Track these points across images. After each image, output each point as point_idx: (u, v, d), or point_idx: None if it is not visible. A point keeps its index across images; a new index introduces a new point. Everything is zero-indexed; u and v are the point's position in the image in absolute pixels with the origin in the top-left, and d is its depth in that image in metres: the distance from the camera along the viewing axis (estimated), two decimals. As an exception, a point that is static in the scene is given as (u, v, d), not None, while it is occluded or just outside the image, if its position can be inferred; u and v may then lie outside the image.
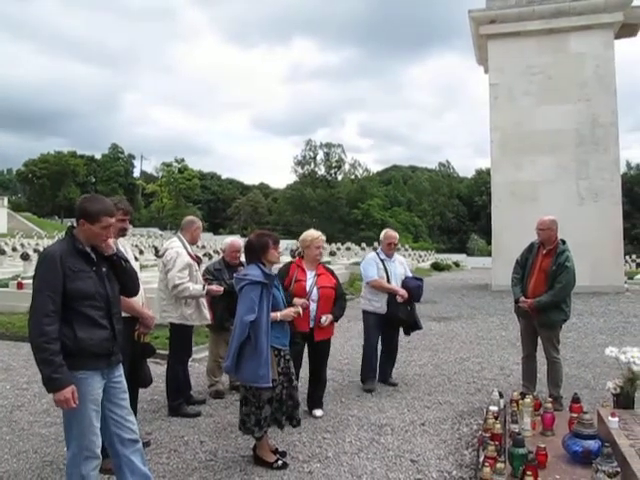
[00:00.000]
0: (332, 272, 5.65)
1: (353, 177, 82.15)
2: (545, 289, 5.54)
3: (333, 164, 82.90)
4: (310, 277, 5.34)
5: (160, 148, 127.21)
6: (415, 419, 5.41)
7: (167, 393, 5.65)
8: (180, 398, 5.59)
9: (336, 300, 5.43)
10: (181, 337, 5.63)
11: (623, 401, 4.72)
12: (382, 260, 6.44)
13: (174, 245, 5.63)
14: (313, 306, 5.24)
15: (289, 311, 4.40)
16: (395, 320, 6.25)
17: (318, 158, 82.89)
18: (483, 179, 65.24)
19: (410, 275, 6.68)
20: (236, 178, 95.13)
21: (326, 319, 5.25)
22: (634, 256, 30.22)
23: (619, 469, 3.58)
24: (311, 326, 5.25)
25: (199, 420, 5.39)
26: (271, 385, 4.14)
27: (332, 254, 25.41)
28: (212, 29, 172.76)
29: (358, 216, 71.69)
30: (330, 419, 5.44)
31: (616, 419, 4.16)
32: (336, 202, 75.91)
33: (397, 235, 6.72)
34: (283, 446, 4.73)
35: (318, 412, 5.53)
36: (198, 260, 5.79)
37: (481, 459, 3.86)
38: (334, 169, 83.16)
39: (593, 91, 15.99)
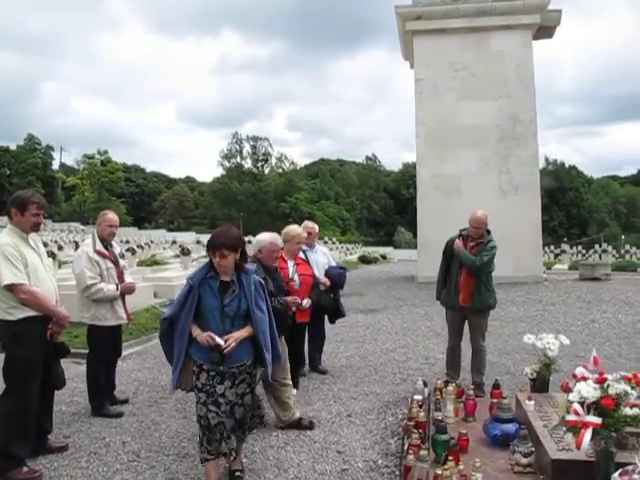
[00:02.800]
0: (308, 262, 6.18)
1: (280, 170, 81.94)
2: (475, 280, 5.70)
3: (260, 157, 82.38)
4: (291, 266, 5.82)
5: (82, 140, 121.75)
6: (342, 410, 5.44)
7: (88, 393, 5.45)
8: (100, 399, 5.39)
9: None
10: (97, 337, 5.43)
11: (539, 385, 4.93)
12: (304, 250, 6.50)
13: (85, 243, 5.54)
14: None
15: (205, 337, 3.63)
16: (318, 308, 6.29)
17: (245, 151, 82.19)
18: (409, 172, 66.45)
19: (334, 264, 6.87)
20: (162, 171, 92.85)
21: (308, 302, 5.64)
22: (552, 247, 31.59)
23: (533, 449, 3.73)
24: (293, 309, 5.54)
25: (122, 420, 5.23)
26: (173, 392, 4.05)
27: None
28: (138, 18, 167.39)
29: (286, 210, 71.56)
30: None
31: (532, 402, 4.34)
32: (263, 196, 75.55)
33: (315, 225, 6.97)
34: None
35: (293, 391, 5.61)
36: (113, 257, 5.55)
37: (405, 447, 3.92)
38: (261, 162, 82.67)
39: (513, 89, 16.53)
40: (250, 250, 5.64)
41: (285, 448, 4.57)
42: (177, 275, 12.39)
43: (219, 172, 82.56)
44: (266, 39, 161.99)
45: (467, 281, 5.72)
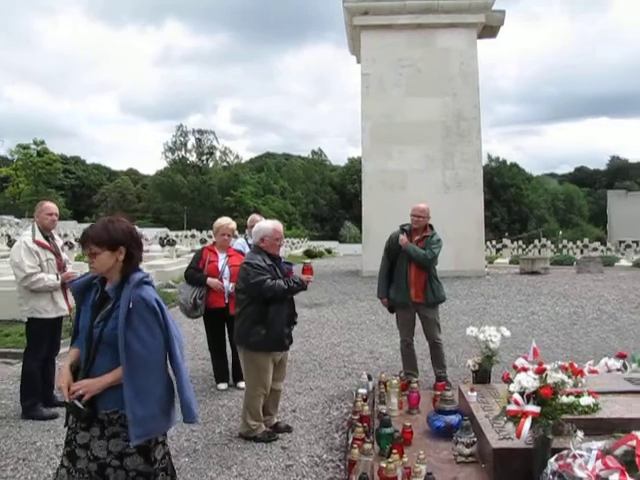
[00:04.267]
0: (243, 254, 5.99)
1: (225, 164, 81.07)
2: (426, 274, 5.71)
3: (205, 151, 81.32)
4: (222, 258, 5.94)
5: (16, 129, 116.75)
6: (286, 406, 5.40)
7: (20, 393, 5.20)
8: (34, 398, 5.12)
9: None
10: (36, 331, 5.19)
11: (481, 376, 5.01)
12: (250, 245, 6.41)
13: (24, 234, 5.34)
14: (226, 283, 5.80)
15: (60, 382, 2.73)
16: None
17: (189, 144, 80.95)
18: (355, 167, 66.83)
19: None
20: (103, 163, 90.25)
21: (234, 286, 5.47)
22: (494, 242, 32.36)
23: (475, 439, 3.79)
24: (226, 301, 5.76)
25: (56, 422, 4.93)
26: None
27: (203, 242, 24.94)
28: (76, 3, 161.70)
29: (231, 203, 70.78)
30: (199, 411, 5.25)
31: (474, 394, 4.40)
32: (208, 189, 74.59)
33: (262, 219, 6.78)
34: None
35: (242, 384, 5.54)
36: (54, 248, 5.34)
37: (350, 441, 3.91)
38: (206, 156, 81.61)
39: (458, 86, 16.78)
40: (248, 239, 5.65)
41: (228, 445, 4.51)
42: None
43: (163, 165, 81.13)
44: (211, 31, 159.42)
45: (418, 276, 5.70)
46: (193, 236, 30.19)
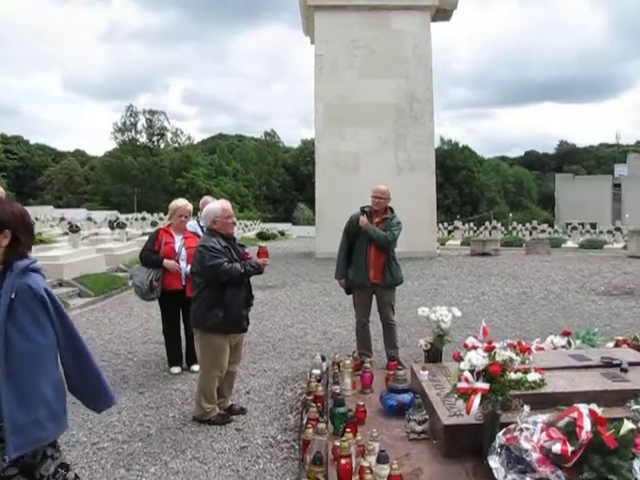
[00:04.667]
0: (197, 235, 6.03)
1: (177, 145, 79.55)
2: (386, 256, 5.74)
3: (156, 132, 79.51)
4: (178, 240, 5.88)
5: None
6: (240, 388, 5.39)
7: None
8: None
9: None
10: None
11: (433, 356, 5.10)
12: (202, 227, 6.39)
13: None
14: (183, 265, 5.75)
15: None
16: None
17: (140, 125, 78.88)
18: (308, 149, 66.49)
19: None
20: (48, 144, 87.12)
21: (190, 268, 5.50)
22: (446, 224, 32.85)
23: (427, 416, 3.87)
24: (183, 284, 5.72)
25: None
26: None
27: (154, 224, 24.55)
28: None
29: (182, 185, 69.51)
30: (153, 395, 5.26)
31: (426, 372, 4.48)
32: (159, 171, 73.07)
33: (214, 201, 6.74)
34: (101, 427, 4.47)
35: (195, 367, 5.61)
36: None
37: (304, 421, 3.94)
38: (157, 137, 79.82)
39: (412, 68, 16.88)
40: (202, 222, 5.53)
41: (182, 429, 4.48)
42: (65, 254, 11.74)
43: (112, 146, 78.98)
44: (160, 8, 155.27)
45: (377, 257, 5.71)
46: (144, 219, 29.65)
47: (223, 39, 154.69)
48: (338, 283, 6.07)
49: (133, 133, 78.42)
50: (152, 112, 79.25)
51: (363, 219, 5.71)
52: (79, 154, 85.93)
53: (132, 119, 78.14)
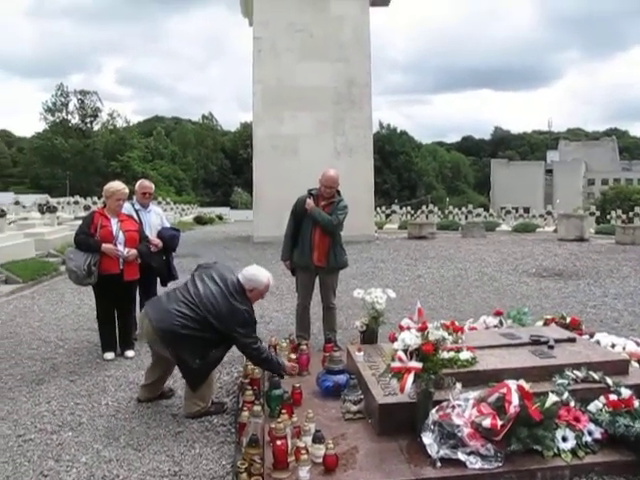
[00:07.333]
0: (133, 218, 6.03)
1: (112, 127, 77.11)
2: (330, 239, 5.73)
3: (88, 113, 76.84)
4: (114, 223, 5.69)
5: None
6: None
7: None
8: None
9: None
10: None
11: (368, 337, 5.17)
12: (137, 210, 6.29)
13: None
14: (121, 248, 5.60)
15: None
16: (149, 269, 6.06)
17: (71, 105, 76.10)
18: (247, 133, 65.63)
19: (167, 226, 6.68)
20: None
21: (129, 251, 5.61)
22: (384, 208, 33.19)
23: (362, 396, 3.92)
24: (121, 268, 5.60)
25: None
26: None
27: (87, 208, 23.79)
28: None
29: (117, 168, 67.55)
30: (85, 382, 5.10)
31: (362, 353, 4.54)
32: (92, 153, 70.74)
33: (152, 185, 6.69)
34: (28, 418, 4.31)
35: (130, 353, 5.79)
36: None
37: (240, 404, 3.92)
38: (90, 118, 77.17)
39: (350, 52, 16.88)
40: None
41: (116, 416, 4.38)
42: (-11, 239, 11.25)
43: (42, 127, 75.86)
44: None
45: (322, 240, 5.70)
46: (76, 202, 28.66)
47: (159, 19, 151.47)
48: (284, 264, 6.06)
49: (64, 114, 75.63)
50: (84, 92, 76.69)
51: (309, 202, 5.70)
52: (5, 135, 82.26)
53: (63, 99, 75.36)
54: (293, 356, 4.78)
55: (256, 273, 4.38)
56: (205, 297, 4.16)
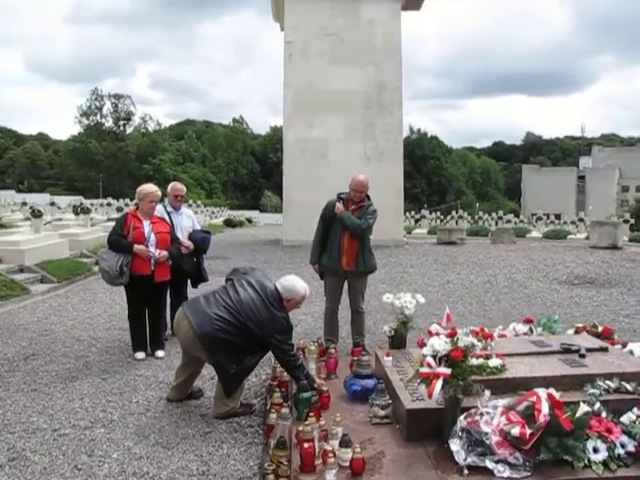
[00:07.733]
0: (165, 220, 6.10)
1: (144, 131, 78.21)
2: (359, 243, 5.75)
3: (122, 116, 78.05)
4: (146, 225, 5.76)
5: None
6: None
7: None
8: None
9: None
10: None
11: (397, 342, 5.16)
12: (169, 213, 6.39)
13: None
14: (152, 250, 5.66)
15: None
16: (181, 271, 6.14)
17: (105, 109, 77.40)
18: (277, 136, 66.04)
19: (198, 228, 6.78)
20: (9, 126, 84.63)
21: (160, 252, 5.66)
22: (413, 213, 33.05)
23: (390, 401, 3.92)
24: (152, 269, 5.65)
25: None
26: None
27: (119, 210, 24.17)
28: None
29: (149, 171, 68.41)
30: (116, 381, 5.20)
31: (390, 358, 4.53)
32: (125, 156, 71.86)
33: (184, 188, 6.79)
34: (63, 414, 4.40)
35: (160, 353, 5.88)
36: None
37: (268, 406, 3.95)
38: (123, 121, 78.37)
39: (381, 57, 16.81)
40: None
41: (146, 414, 4.45)
42: (27, 239, 11.48)
43: (77, 130, 77.27)
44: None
45: (351, 245, 5.71)
46: (109, 204, 29.16)
47: (191, 24, 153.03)
48: (312, 268, 6.09)
49: (98, 117, 76.98)
50: (118, 96, 77.95)
51: (339, 206, 5.72)
52: (42, 138, 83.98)
53: (97, 103, 76.75)
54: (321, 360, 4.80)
55: (294, 284, 4.46)
56: (246, 303, 4.21)
